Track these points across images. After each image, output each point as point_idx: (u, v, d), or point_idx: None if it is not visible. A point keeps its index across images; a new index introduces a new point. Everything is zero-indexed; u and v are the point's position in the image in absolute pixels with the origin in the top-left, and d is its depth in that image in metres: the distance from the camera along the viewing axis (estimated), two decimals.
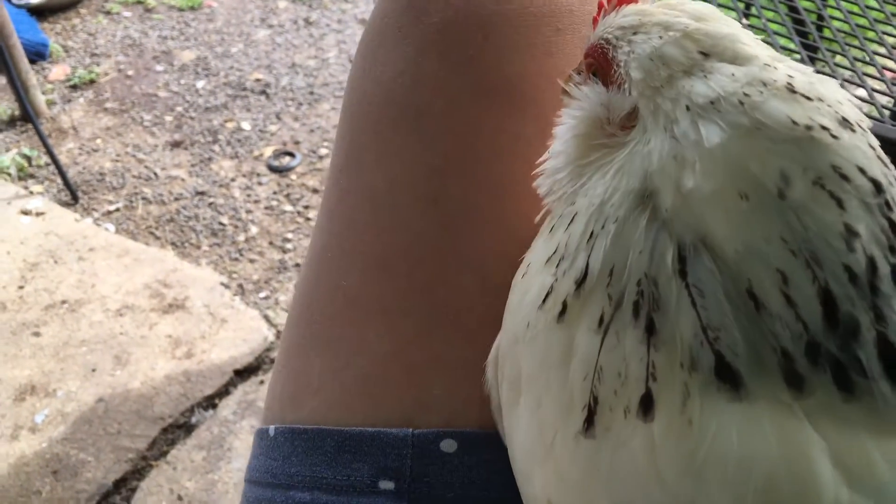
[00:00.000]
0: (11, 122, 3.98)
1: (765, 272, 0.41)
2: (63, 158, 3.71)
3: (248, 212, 3.46)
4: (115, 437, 2.51)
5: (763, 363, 0.41)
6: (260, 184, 3.61)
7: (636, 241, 0.44)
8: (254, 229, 3.37)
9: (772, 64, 0.46)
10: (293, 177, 3.64)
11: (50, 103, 4.10)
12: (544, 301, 0.50)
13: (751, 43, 0.48)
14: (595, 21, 0.58)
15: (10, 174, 3.62)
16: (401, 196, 0.72)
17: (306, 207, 3.46)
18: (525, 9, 0.73)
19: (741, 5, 1.86)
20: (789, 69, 0.46)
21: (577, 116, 0.55)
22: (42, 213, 3.39)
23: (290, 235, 3.32)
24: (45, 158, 3.68)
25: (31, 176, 3.66)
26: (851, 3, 1.74)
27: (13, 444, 2.49)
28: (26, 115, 3.61)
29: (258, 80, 4.33)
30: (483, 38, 0.72)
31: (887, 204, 0.41)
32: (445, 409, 0.67)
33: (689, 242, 0.43)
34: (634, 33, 0.51)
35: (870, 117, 1.33)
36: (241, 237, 3.33)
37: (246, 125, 3.98)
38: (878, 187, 0.41)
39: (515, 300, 0.56)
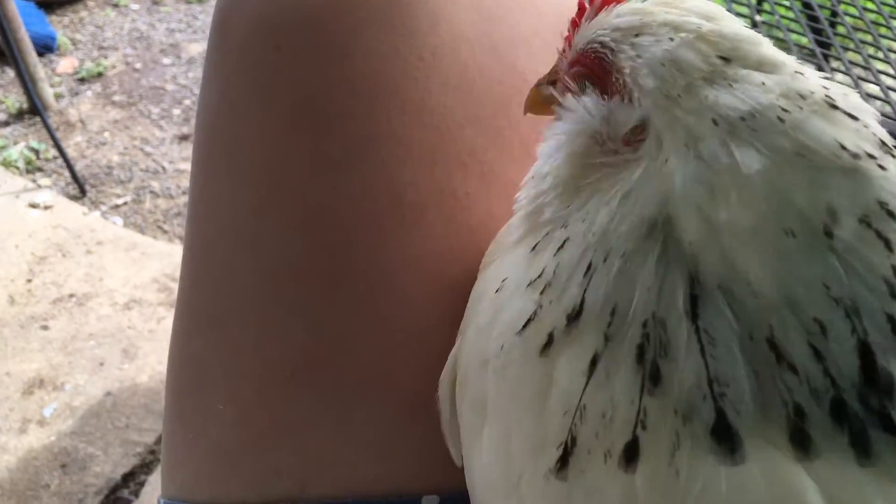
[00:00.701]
0: (19, 116, 3.98)
1: (796, 321, 0.37)
2: (71, 152, 3.71)
3: None
4: (124, 431, 2.52)
5: (769, 418, 0.37)
6: None
7: (644, 278, 0.40)
8: None
9: (802, 72, 0.42)
10: None
11: (58, 96, 4.10)
12: (524, 327, 0.45)
13: (771, 45, 0.44)
14: (574, 24, 0.52)
15: (18, 167, 3.63)
16: (225, 246, 0.67)
17: None
18: (307, 9, 0.66)
19: (753, 1, 1.85)
20: (820, 79, 0.42)
21: (570, 132, 0.48)
22: (50, 207, 3.39)
23: None
24: (53, 152, 3.68)
25: (39, 169, 3.66)
26: None
27: (22, 437, 2.49)
28: (34, 109, 3.61)
29: None
30: (275, 51, 0.67)
31: None
32: (298, 473, 0.61)
33: (709, 281, 0.38)
34: (637, 35, 0.45)
35: (883, 114, 1.32)
36: None
37: None
38: None
39: (486, 318, 0.50)
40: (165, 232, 3.33)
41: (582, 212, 0.44)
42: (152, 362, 2.73)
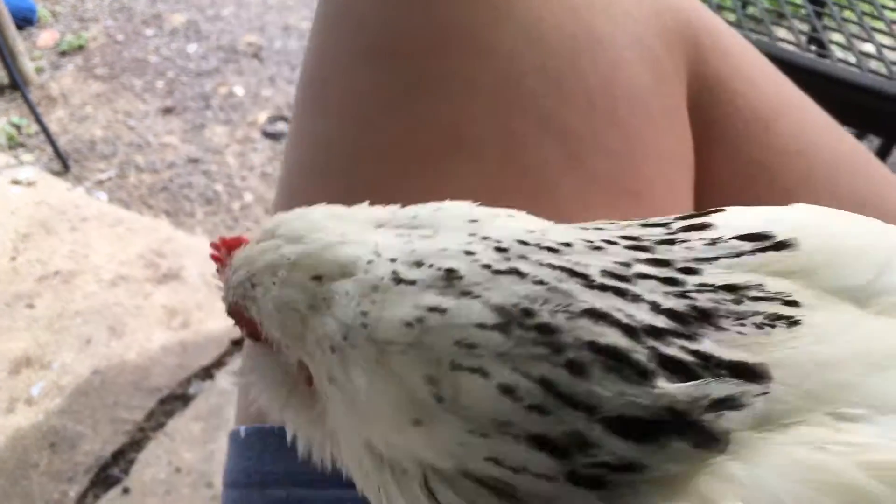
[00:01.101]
0: (0, 91, 3.90)
1: (479, 469, 0.38)
2: (53, 126, 3.64)
3: (243, 179, 3.40)
4: (112, 409, 2.50)
5: None
6: (254, 150, 3.55)
7: (399, 496, 0.42)
8: (249, 197, 3.32)
9: (374, 254, 0.43)
10: None
11: (38, 70, 4.02)
12: None
13: (352, 237, 0.44)
14: (220, 274, 0.54)
15: None
16: (301, 176, 0.78)
17: None
18: None
19: None
20: (389, 250, 0.42)
21: (270, 388, 0.52)
22: (33, 183, 3.34)
23: None
24: (34, 127, 3.61)
25: (21, 145, 3.60)
26: None
27: (9, 417, 2.47)
28: (14, 83, 3.54)
29: (251, 43, 4.25)
30: (374, 2, 0.75)
31: (535, 327, 0.37)
32: None
33: (412, 474, 0.41)
34: (253, 286, 0.47)
35: (878, 74, 1.28)
36: (236, 205, 3.28)
37: (239, 90, 3.91)
38: (502, 328, 0.37)
39: None
40: (151, 207, 3.28)
41: (342, 457, 0.48)
42: (140, 339, 2.70)
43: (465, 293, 0.39)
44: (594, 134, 0.71)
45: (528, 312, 0.38)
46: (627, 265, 0.40)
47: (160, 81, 3.99)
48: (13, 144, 3.59)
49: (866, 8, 1.56)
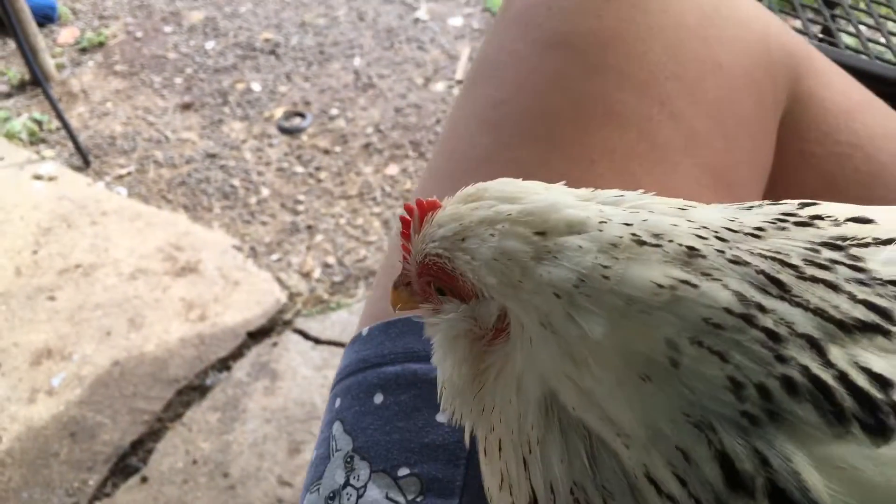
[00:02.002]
0: (21, 87, 3.96)
1: (660, 455, 0.41)
2: (74, 122, 3.70)
3: (260, 174, 3.44)
4: (131, 400, 2.54)
5: None
6: (271, 145, 3.58)
7: (557, 453, 0.45)
8: (265, 191, 3.35)
9: (603, 217, 0.46)
10: (304, 138, 3.61)
11: (59, 67, 4.08)
12: None
13: (571, 202, 0.48)
14: (406, 237, 0.57)
15: (21, 139, 3.62)
16: (467, 126, 0.95)
17: (318, 169, 3.43)
18: None
19: None
20: (620, 217, 0.46)
21: (449, 339, 0.55)
22: (54, 178, 3.39)
23: (301, 197, 3.30)
24: (56, 123, 3.67)
25: (43, 140, 3.66)
26: None
27: (31, 407, 2.52)
28: (36, 80, 3.59)
29: (267, 39, 4.28)
30: (547, 10, 0.95)
31: (763, 329, 0.41)
32: None
33: (596, 437, 0.44)
34: (463, 240, 0.50)
35: (888, 62, 1.27)
36: (253, 199, 3.32)
37: (256, 86, 3.94)
38: (748, 321, 0.41)
39: None
40: (169, 201, 3.32)
41: (496, 413, 0.51)
42: (158, 331, 2.74)
43: (707, 274, 0.43)
44: (708, 134, 0.91)
45: (761, 307, 0.42)
46: (817, 251, 0.46)
47: (179, 78, 4.04)
48: (35, 140, 3.64)
49: (883, 11, 1.55)
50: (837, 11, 1.51)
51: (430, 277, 0.55)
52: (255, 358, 2.67)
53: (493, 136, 0.91)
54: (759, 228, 0.46)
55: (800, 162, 1.04)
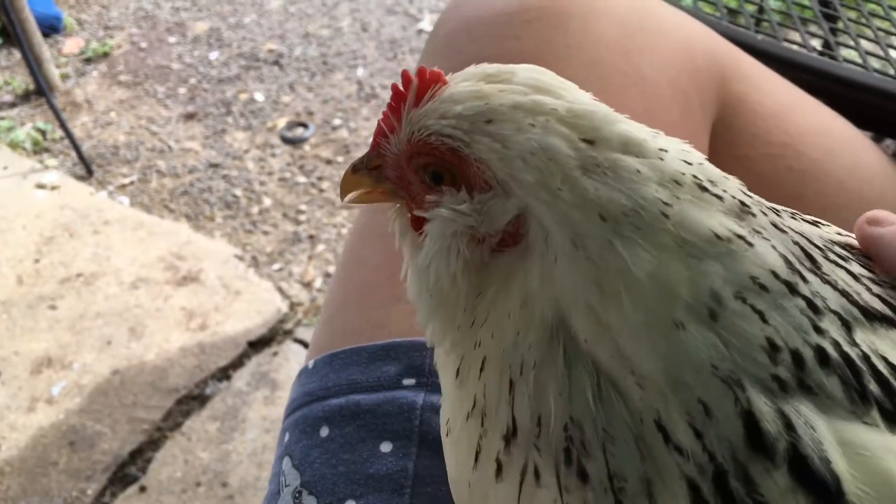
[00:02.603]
0: (26, 97, 3.98)
1: (679, 404, 0.39)
2: (77, 132, 3.71)
3: (262, 183, 3.44)
4: (131, 409, 2.53)
5: (673, 493, 0.39)
6: (273, 155, 3.59)
7: (556, 384, 0.42)
8: (267, 201, 3.35)
9: (664, 147, 0.43)
10: (307, 148, 3.62)
11: (64, 77, 4.10)
12: (476, 461, 0.47)
13: (619, 116, 0.45)
14: (396, 111, 0.50)
15: (25, 148, 3.63)
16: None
17: (320, 179, 3.44)
18: (497, 10, 0.94)
19: None
20: (677, 151, 0.44)
21: (444, 236, 0.47)
22: (57, 187, 3.40)
23: (303, 207, 3.31)
24: (59, 132, 3.68)
25: (46, 150, 3.67)
26: None
27: (30, 415, 2.51)
28: (40, 90, 3.61)
29: (271, 50, 4.30)
30: (468, 37, 0.94)
31: (804, 298, 0.41)
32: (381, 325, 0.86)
33: (605, 375, 0.41)
34: (489, 122, 0.44)
35: (887, 75, 1.27)
36: (255, 209, 3.32)
37: (259, 96, 3.95)
38: (791, 288, 0.41)
39: (451, 467, 0.53)
40: (172, 211, 3.33)
41: (488, 326, 0.46)
42: (158, 340, 2.73)
43: (758, 232, 0.42)
44: None
45: (802, 277, 0.42)
46: (830, 245, 0.46)
47: (182, 88, 4.05)
48: (38, 149, 3.66)
49: (883, 24, 1.55)
50: (838, 25, 1.51)
51: (431, 159, 0.48)
52: (256, 367, 2.67)
53: None
54: (776, 210, 0.46)
55: (734, 165, 1.04)
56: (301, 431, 0.82)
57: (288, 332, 2.78)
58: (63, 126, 3.42)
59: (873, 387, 0.40)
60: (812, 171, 1.08)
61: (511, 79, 0.46)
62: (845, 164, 1.11)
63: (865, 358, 0.41)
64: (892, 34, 1.51)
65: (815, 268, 0.43)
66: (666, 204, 0.41)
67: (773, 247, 0.42)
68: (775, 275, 0.41)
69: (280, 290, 2.93)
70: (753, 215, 0.43)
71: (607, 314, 0.41)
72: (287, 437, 0.84)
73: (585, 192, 0.41)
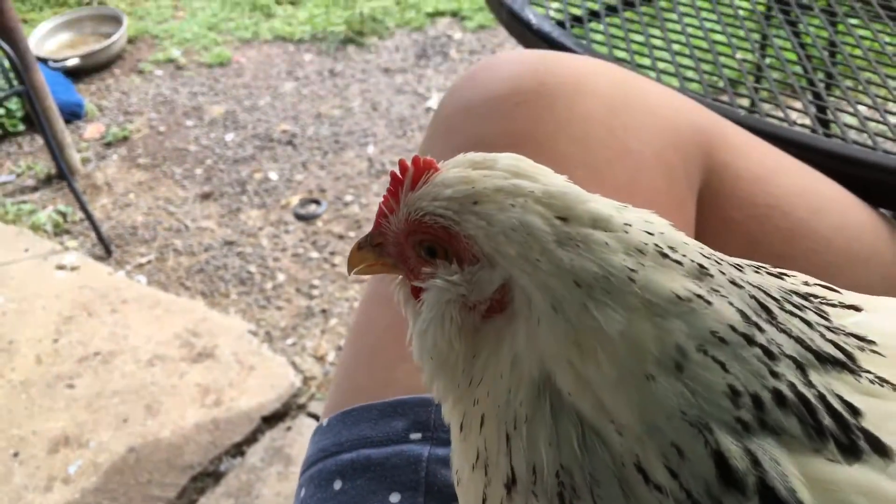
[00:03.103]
0: (48, 181, 4.11)
1: (656, 448, 0.44)
2: (97, 214, 3.82)
3: (276, 260, 3.51)
4: (146, 487, 2.54)
5: None
6: (287, 232, 3.67)
7: (545, 435, 0.47)
8: (281, 277, 3.42)
9: (625, 220, 0.49)
10: (319, 224, 3.70)
11: (85, 161, 4.23)
12: None
13: (589, 195, 0.51)
14: (393, 193, 0.57)
15: (46, 231, 3.73)
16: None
17: (332, 254, 3.50)
18: (491, 93, 1.02)
19: (756, 36, 1.87)
20: (641, 223, 0.49)
21: (439, 304, 0.53)
22: (76, 268, 3.48)
23: (316, 282, 3.36)
24: (79, 214, 3.79)
25: (67, 231, 3.77)
26: (870, 39, 1.74)
27: (47, 495, 2.53)
28: (62, 174, 3.73)
29: (285, 130, 4.43)
30: (465, 116, 1.03)
31: (760, 346, 0.45)
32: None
33: (588, 424, 0.46)
34: (475, 203, 0.50)
35: (891, 153, 1.31)
36: (269, 285, 3.38)
37: (273, 175, 4.06)
38: (748, 339, 0.45)
39: None
40: (188, 289, 3.39)
41: (483, 385, 0.51)
42: (174, 417, 2.76)
43: (716, 291, 0.47)
44: None
45: (758, 328, 0.46)
46: (789, 296, 0.50)
47: (199, 169, 4.17)
48: (59, 231, 3.76)
49: (881, 92, 1.60)
50: (836, 99, 1.57)
51: (426, 236, 0.54)
52: (270, 442, 2.68)
53: None
54: (738, 266, 0.50)
55: (722, 228, 1.11)
56: (316, 486, 0.87)
57: (301, 407, 2.80)
58: (83, 208, 3.52)
59: (828, 422, 0.44)
60: (800, 231, 1.12)
61: (494, 165, 0.52)
62: (833, 222, 1.15)
63: (821, 397, 0.45)
64: (889, 100, 1.56)
65: (771, 318, 0.47)
66: (632, 270, 0.46)
67: (731, 303, 0.46)
68: (733, 328, 0.45)
69: (293, 364, 2.96)
70: (711, 276, 0.47)
71: (586, 369, 0.45)
72: (303, 492, 0.89)
73: (561, 262, 0.47)
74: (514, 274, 0.49)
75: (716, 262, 0.49)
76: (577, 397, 0.46)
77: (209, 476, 2.58)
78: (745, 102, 1.60)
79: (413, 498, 0.82)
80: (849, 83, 1.61)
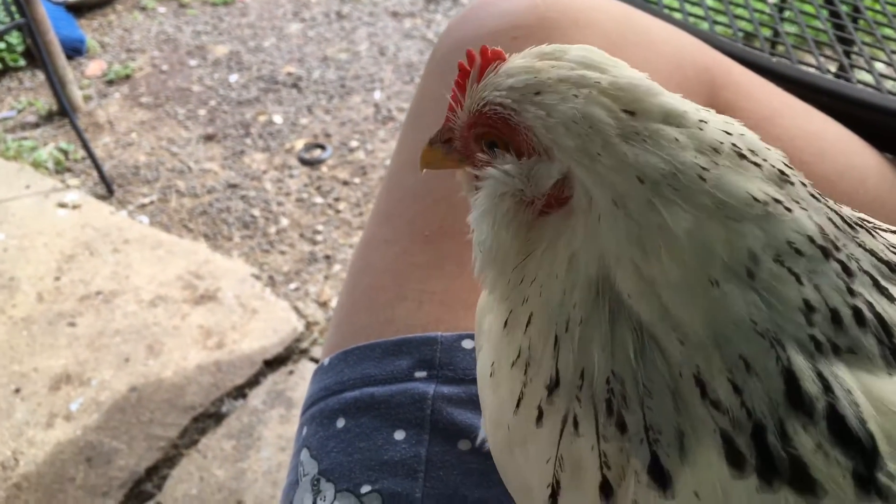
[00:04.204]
0: (49, 117, 4.05)
1: (720, 359, 0.41)
2: (99, 152, 3.77)
3: (279, 204, 3.48)
4: (148, 426, 2.55)
5: (705, 444, 0.42)
6: (291, 176, 3.63)
7: (600, 340, 0.45)
8: (284, 221, 3.39)
9: (705, 119, 0.45)
10: (324, 169, 3.65)
11: (86, 98, 4.17)
12: (518, 407, 0.51)
13: (663, 90, 0.47)
14: (460, 86, 0.55)
15: (47, 168, 3.69)
16: (400, 173, 1.02)
17: (336, 200, 3.47)
18: (488, 29, 0.99)
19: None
20: (719, 122, 0.46)
21: (494, 196, 0.51)
22: (78, 206, 3.45)
23: (320, 227, 3.34)
24: (81, 152, 3.74)
25: (68, 170, 3.73)
26: None
27: (48, 431, 2.53)
28: (63, 110, 3.67)
29: (290, 73, 4.36)
30: (461, 54, 0.95)
31: (839, 262, 0.43)
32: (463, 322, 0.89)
33: (647, 331, 0.43)
34: (537, 93, 0.48)
35: None
36: (272, 229, 3.35)
37: (278, 118, 4.00)
38: (825, 253, 0.43)
39: (491, 406, 0.57)
40: (190, 230, 3.36)
41: (536, 284, 0.49)
42: (176, 358, 2.76)
43: (797, 201, 0.44)
44: None
45: (835, 243, 0.44)
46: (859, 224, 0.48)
47: (202, 110, 4.11)
48: (60, 169, 3.71)
49: (895, 46, 1.56)
50: (852, 49, 1.53)
51: (486, 128, 0.52)
52: (272, 386, 2.68)
53: (416, 175, 0.95)
54: (812, 185, 0.48)
55: None
56: (318, 424, 0.87)
57: (304, 352, 2.80)
58: (85, 146, 3.48)
59: None
60: (804, 173, 1.10)
61: (562, 56, 0.50)
62: (838, 166, 1.13)
63: None
64: None
65: (853, 233, 0.45)
66: (704, 168, 0.43)
67: (810, 215, 0.44)
68: (811, 240, 0.43)
69: (296, 309, 2.95)
70: (792, 184, 0.45)
71: (650, 270, 0.43)
72: (305, 430, 0.89)
73: (624, 156, 0.44)
74: (574, 168, 0.46)
75: (797, 174, 0.46)
76: (637, 300, 0.44)
77: (210, 417, 2.59)
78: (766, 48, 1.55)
79: (418, 435, 0.82)
80: (866, 38, 1.57)
